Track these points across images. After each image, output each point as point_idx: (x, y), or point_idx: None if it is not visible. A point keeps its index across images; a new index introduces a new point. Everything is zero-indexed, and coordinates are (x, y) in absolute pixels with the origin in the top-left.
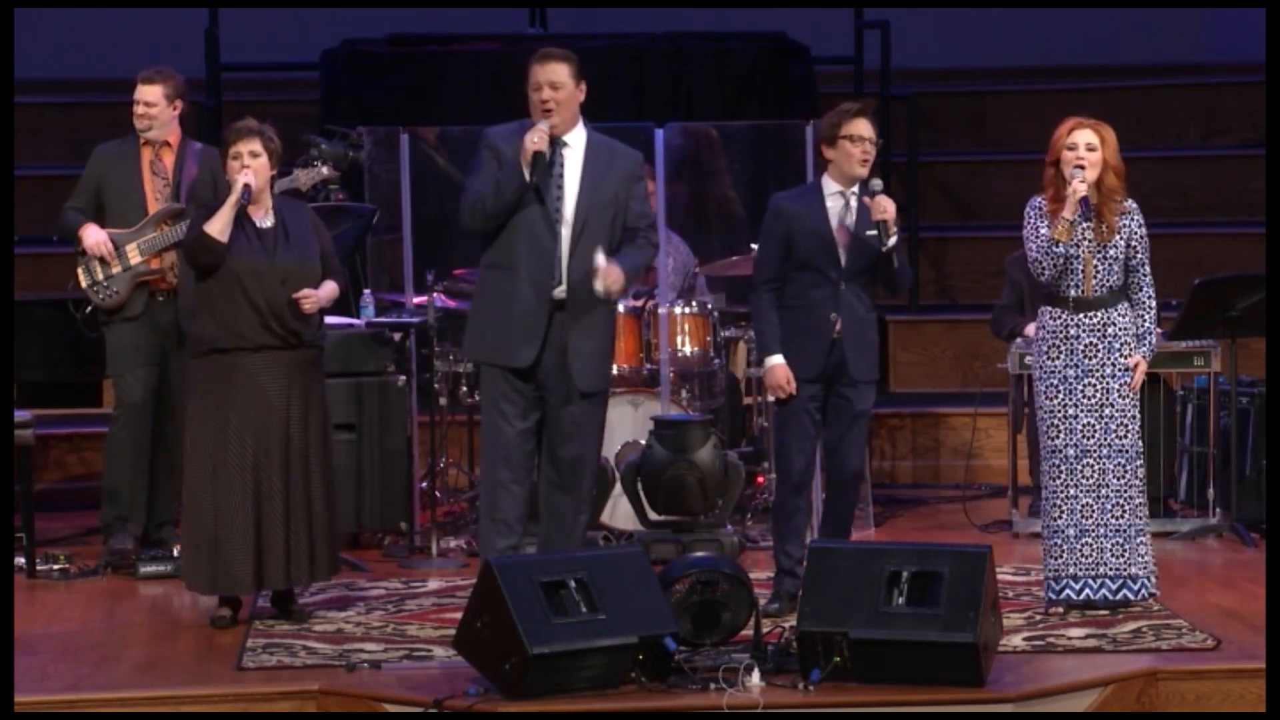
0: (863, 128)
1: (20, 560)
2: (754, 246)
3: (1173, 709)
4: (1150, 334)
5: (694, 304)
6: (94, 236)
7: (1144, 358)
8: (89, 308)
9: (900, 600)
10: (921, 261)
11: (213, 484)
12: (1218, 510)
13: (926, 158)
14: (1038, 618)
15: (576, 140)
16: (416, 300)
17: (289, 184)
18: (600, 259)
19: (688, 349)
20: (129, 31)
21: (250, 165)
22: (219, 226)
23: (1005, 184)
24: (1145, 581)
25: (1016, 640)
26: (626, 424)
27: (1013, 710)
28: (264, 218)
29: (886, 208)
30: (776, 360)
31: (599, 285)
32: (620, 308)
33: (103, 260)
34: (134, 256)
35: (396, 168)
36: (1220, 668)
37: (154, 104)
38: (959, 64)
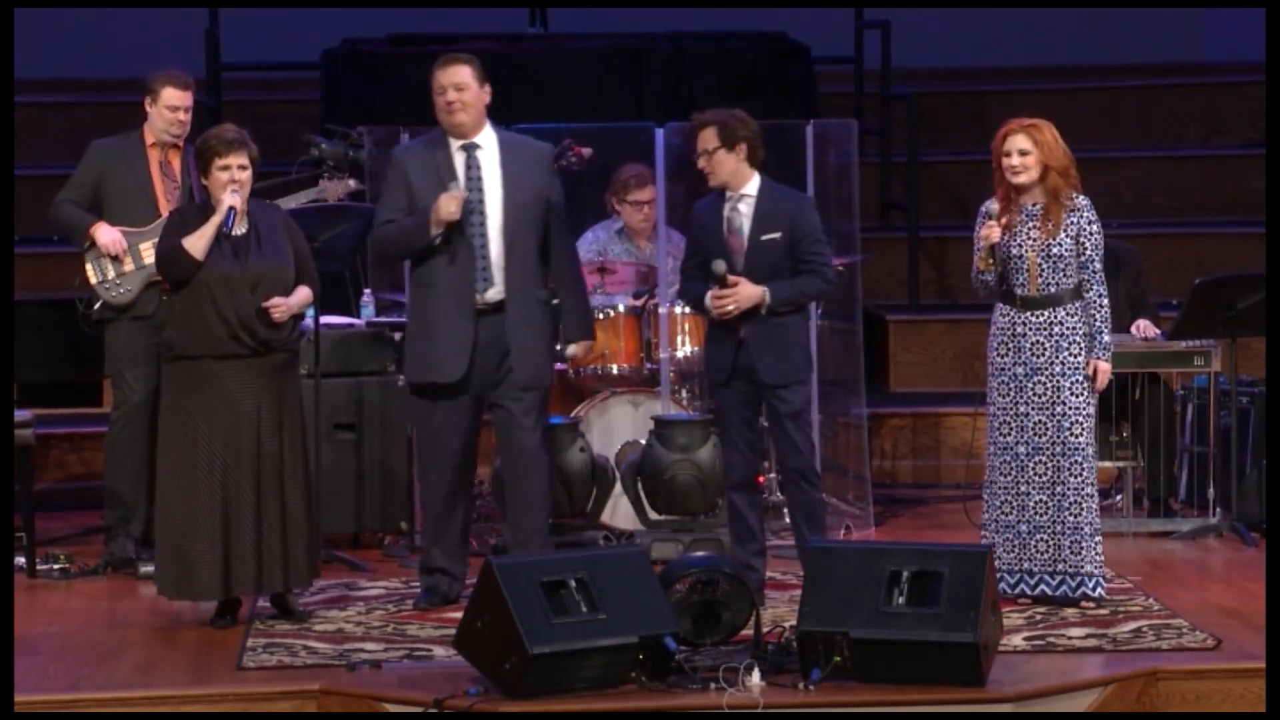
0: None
1: (20, 560)
2: None
3: (1173, 709)
4: (1103, 334)
5: None
6: (109, 235)
7: (1099, 358)
8: (97, 304)
9: (900, 600)
10: (921, 261)
11: (180, 489)
12: (1218, 510)
13: (926, 157)
14: (1038, 617)
15: (488, 140)
16: None
17: (316, 194)
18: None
19: (688, 349)
20: (129, 31)
21: (240, 179)
22: (200, 246)
23: None
24: (1100, 579)
25: (1016, 640)
26: (626, 424)
27: (1013, 710)
28: (238, 226)
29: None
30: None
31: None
32: (620, 307)
33: (114, 258)
34: (149, 256)
35: None
36: (1220, 668)
37: (190, 109)
38: (959, 64)
